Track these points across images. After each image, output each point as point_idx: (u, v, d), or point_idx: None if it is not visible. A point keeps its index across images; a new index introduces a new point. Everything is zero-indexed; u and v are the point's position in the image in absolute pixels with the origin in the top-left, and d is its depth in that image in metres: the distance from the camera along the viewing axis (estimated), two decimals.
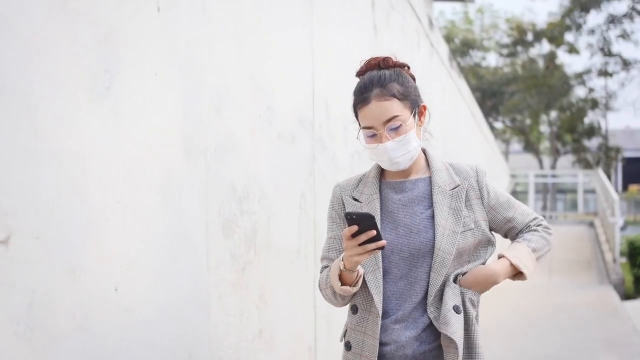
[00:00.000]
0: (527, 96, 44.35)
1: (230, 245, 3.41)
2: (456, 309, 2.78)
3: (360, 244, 2.59)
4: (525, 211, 3.03)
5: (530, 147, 50.47)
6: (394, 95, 2.77)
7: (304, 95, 4.44)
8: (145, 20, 2.76)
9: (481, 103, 37.79)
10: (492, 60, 59.17)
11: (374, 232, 2.56)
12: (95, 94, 2.44)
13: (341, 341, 3.01)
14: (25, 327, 2.13)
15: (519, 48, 47.44)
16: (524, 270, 2.88)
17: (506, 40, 48.75)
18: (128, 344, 2.64)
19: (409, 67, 2.93)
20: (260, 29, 3.76)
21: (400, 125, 2.76)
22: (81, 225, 2.38)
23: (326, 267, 2.96)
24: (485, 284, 2.86)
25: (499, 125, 50.78)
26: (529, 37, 46.49)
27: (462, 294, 2.84)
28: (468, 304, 2.85)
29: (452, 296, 2.80)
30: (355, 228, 2.56)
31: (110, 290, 2.54)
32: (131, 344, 2.66)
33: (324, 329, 4.71)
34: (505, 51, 48.77)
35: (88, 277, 2.41)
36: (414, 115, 2.83)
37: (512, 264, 2.87)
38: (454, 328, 2.75)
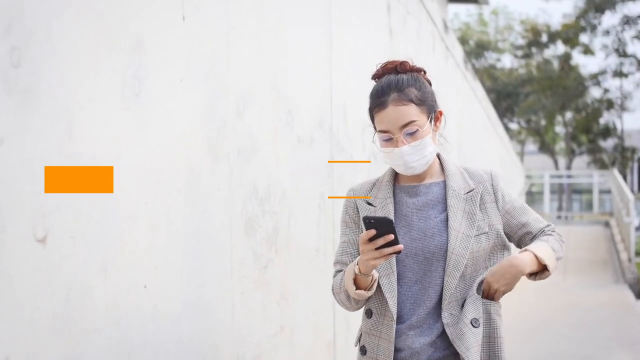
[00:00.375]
0: (542, 97, 44.23)
1: (252, 245, 3.48)
2: (474, 323, 2.76)
3: (377, 248, 2.56)
4: (539, 218, 2.99)
5: (546, 147, 50.24)
6: (411, 100, 2.74)
7: (322, 99, 4.50)
8: (171, 29, 2.84)
9: (496, 104, 37.70)
10: (507, 61, 58.89)
11: (392, 236, 2.53)
12: (125, 100, 2.53)
13: (356, 346, 2.99)
14: (61, 320, 2.22)
15: (534, 49, 47.26)
16: (548, 263, 2.79)
17: (521, 41, 48.59)
18: (157, 338, 2.72)
19: (425, 72, 2.90)
20: (280, 36, 3.83)
21: (417, 130, 2.73)
22: (113, 225, 2.46)
23: (339, 271, 2.94)
24: (511, 275, 2.74)
25: (514, 126, 50.58)
26: (544, 38, 46.34)
27: (484, 304, 2.83)
28: (494, 315, 2.84)
29: (472, 309, 2.77)
30: (372, 232, 2.53)
31: (140, 287, 2.61)
32: (160, 338, 2.74)
33: (343, 325, 4.75)
34: (520, 52, 48.62)
35: (119, 275, 2.49)
36: (430, 121, 2.80)
37: (536, 257, 2.79)
38: (467, 344, 2.73)
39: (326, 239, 4.48)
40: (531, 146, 55.70)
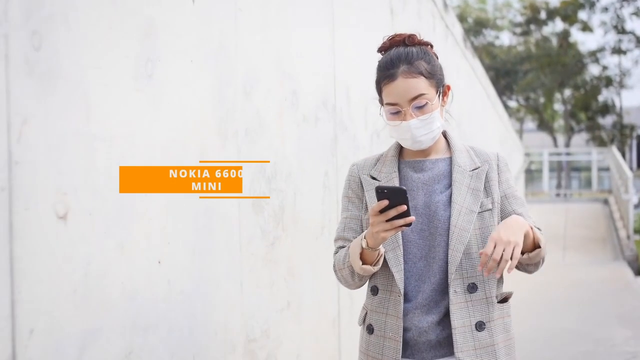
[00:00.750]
0: (540, 75, 44.19)
1: (260, 222, 3.53)
2: (478, 327, 2.73)
3: (388, 220, 2.50)
4: (532, 218, 2.86)
5: (545, 125, 50.12)
6: (421, 73, 2.70)
7: (326, 80, 4.54)
8: (181, 12, 2.89)
9: (495, 82, 37.61)
10: (506, 39, 58.58)
11: (405, 207, 2.45)
12: (139, 81, 2.59)
13: (360, 325, 2.94)
14: (81, 295, 2.28)
15: (532, 27, 47.17)
16: (540, 237, 2.71)
17: (519, 19, 48.44)
18: (170, 313, 2.78)
19: (432, 46, 2.87)
20: (285, 17, 3.88)
21: (426, 103, 2.69)
22: (128, 203, 2.52)
23: (342, 247, 2.88)
24: (515, 224, 2.57)
25: (513, 104, 50.46)
26: (542, 15, 46.24)
27: (500, 309, 2.81)
28: (507, 319, 2.83)
29: (481, 310, 2.76)
30: (385, 203, 2.45)
31: (154, 263, 2.68)
32: (173, 312, 2.80)
33: (347, 302, 4.81)
34: (518, 30, 48.50)
35: (135, 251, 2.56)
36: (439, 95, 2.76)
37: (531, 228, 2.67)
38: (462, 346, 2.71)
39: (331, 216, 4.54)
40: (530, 124, 55.56)
